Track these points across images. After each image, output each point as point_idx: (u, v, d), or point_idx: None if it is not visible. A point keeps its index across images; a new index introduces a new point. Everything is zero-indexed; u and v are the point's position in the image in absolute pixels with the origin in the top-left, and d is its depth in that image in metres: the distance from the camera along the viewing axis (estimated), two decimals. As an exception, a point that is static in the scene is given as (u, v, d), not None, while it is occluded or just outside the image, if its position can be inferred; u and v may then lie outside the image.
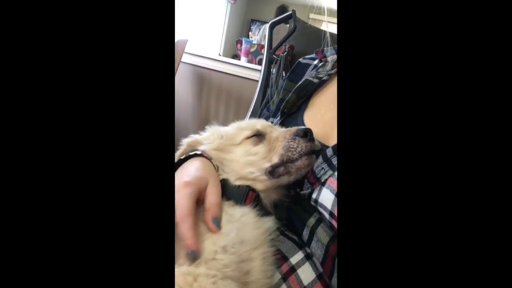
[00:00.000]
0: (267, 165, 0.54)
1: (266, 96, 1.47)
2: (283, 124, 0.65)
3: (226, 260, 0.41)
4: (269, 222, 0.51)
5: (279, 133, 0.57)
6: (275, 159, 0.54)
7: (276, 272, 0.49)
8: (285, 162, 0.54)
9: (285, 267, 0.50)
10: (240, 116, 1.88)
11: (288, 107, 0.72)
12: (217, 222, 0.44)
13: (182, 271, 0.38)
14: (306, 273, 0.49)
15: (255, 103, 1.53)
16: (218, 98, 1.99)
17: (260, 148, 0.56)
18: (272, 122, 0.78)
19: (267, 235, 0.50)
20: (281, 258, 0.50)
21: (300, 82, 0.73)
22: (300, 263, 0.50)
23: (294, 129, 0.57)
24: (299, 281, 0.48)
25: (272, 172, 0.54)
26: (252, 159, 0.55)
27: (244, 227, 0.48)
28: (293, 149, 0.54)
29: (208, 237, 0.43)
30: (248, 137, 0.57)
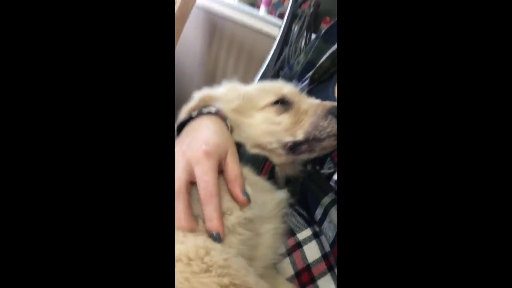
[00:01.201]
0: (289, 139, 0.50)
1: (283, 56, 1.37)
2: (310, 92, 0.59)
3: (245, 236, 0.39)
4: (283, 195, 0.49)
5: (309, 106, 0.51)
6: (300, 136, 0.49)
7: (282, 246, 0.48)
8: (310, 140, 0.49)
9: (291, 241, 0.49)
10: (249, 74, 1.79)
11: (319, 74, 0.65)
12: (247, 194, 0.41)
13: (197, 243, 0.36)
14: (312, 251, 0.48)
15: (269, 62, 1.44)
16: (229, 51, 1.87)
17: (285, 119, 0.51)
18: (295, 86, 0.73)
19: (280, 209, 0.48)
20: (288, 232, 0.49)
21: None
22: (307, 240, 0.49)
23: (328, 105, 0.51)
24: (304, 258, 0.47)
25: (293, 148, 0.50)
26: (274, 128, 0.50)
27: (265, 199, 0.45)
28: (322, 128, 0.48)
29: (231, 209, 0.40)
30: (272, 103, 0.52)
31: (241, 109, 0.53)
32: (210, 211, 0.39)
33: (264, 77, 1.42)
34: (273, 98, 0.52)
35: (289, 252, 0.48)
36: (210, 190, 0.39)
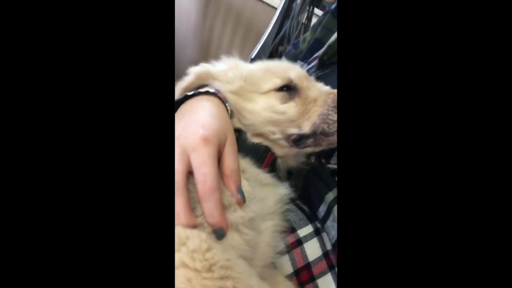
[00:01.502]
0: (294, 131, 0.45)
1: (283, 31, 1.28)
2: (319, 77, 0.53)
3: (249, 236, 0.36)
4: (284, 190, 0.45)
5: (318, 94, 0.46)
6: (306, 128, 0.44)
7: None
8: (317, 134, 0.44)
9: (291, 238, 0.46)
10: (247, 47, 1.69)
11: (329, 55, 0.58)
12: (242, 193, 0.37)
13: (200, 235, 0.32)
14: (312, 249, 0.45)
15: (268, 35, 1.35)
16: (225, 21, 1.74)
17: (290, 108, 0.45)
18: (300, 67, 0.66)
19: (281, 205, 0.44)
20: (288, 228, 0.46)
21: None
22: (307, 237, 0.46)
23: None
24: (304, 256, 0.45)
25: (298, 141, 0.46)
26: (277, 118, 0.45)
27: (266, 195, 0.41)
28: (331, 122, 0.43)
29: (232, 206, 0.36)
30: (277, 89, 0.47)
31: (242, 92, 0.47)
32: (210, 208, 0.34)
33: (262, 51, 1.34)
34: (278, 82, 0.46)
35: (289, 249, 0.45)
36: (210, 184, 0.34)
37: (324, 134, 0.44)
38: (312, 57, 0.64)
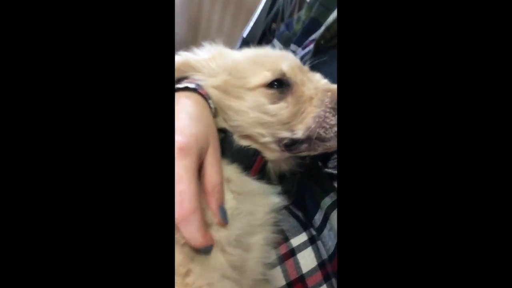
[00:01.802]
0: (286, 135, 0.39)
1: (276, 7, 1.19)
2: (315, 67, 0.47)
3: (235, 256, 0.32)
4: (276, 199, 0.40)
5: (314, 91, 0.40)
6: (299, 133, 0.39)
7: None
8: (312, 139, 0.39)
9: (283, 248, 0.42)
10: (238, 24, 1.59)
11: (326, 38, 0.51)
12: (224, 213, 0.33)
13: (176, 258, 0.29)
14: (307, 259, 0.42)
15: (260, 12, 1.25)
16: (215, -5, 1.62)
17: (281, 109, 0.39)
18: (294, 52, 0.59)
19: (273, 216, 0.40)
20: (280, 237, 0.42)
21: None
22: (301, 247, 0.42)
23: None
24: (297, 267, 0.41)
25: (290, 146, 0.40)
26: (267, 119, 0.39)
27: (255, 206, 0.37)
28: (328, 126, 0.37)
29: (215, 225, 0.32)
30: (266, 84, 0.40)
31: (227, 87, 0.41)
32: (191, 232, 0.30)
33: (255, 29, 1.25)
34: (268, 75, 0.40)
35: (281, 261, 0.42)
36: (188, 206, 0.30)
37: (320, 139, 0.39)
38: (307, 41, 0.57)
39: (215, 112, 0.40)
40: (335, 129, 0.38)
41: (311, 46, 0.53)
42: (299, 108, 0.39)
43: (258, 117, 0.39)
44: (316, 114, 0.38)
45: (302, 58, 0.52)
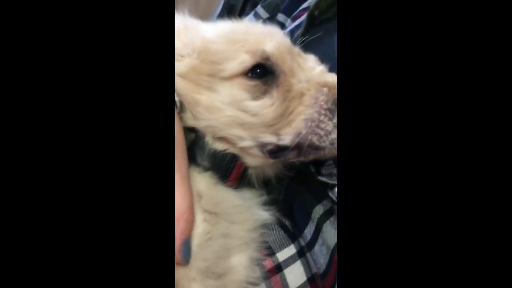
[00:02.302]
0: (270, 140, 0.31)
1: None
2: (307, 44, 0.37)
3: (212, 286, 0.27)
4: (260, 213, 0.34)
5: (306, 86, 0.31)
6: (286, 138, 0.31)
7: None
8: (302, 147, 0.31)
9: (269, 263, 0.37)
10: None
11: (322, 8, 0.41)
12: (187, 250, 0.26)
13: None
14: (295, 275, 0.37)
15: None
16: None
17: (265, 108, 0.30)
18: (282, 25, 0.49)
19: (255, 232, 0.33)
20: (264, 249, 0.36)
21: None
22: (289, 261, 0.37)
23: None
24: (284, 284, 0.36)
25: (276, 153, 0.33)
26: (246, 120, 0.31)
27: (233, 226, 0.30)
28: (323, 132, 0.30)
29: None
30: (245, 72, 0.31)
31: (195, 75, 0.32)
32: None
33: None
34: (247, 59, 0.31)
35: (266, 276, 0.36)
36: None
37: (313, 147, 0.31)
38: (298, 10, 0.46)
39: (180, 107, 0.32)
40: (333, 136, 0.30)
41: (303, 17, 0.43)
42: (287, 107, 0.31)
43: (235, 116, 0.31)
44: (308, 116, 0.30)
45: (291, 33, 0.43)
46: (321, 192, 0.36)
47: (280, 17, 0.50)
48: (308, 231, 0.36)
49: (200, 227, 0.28)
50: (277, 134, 0.31)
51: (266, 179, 0.37)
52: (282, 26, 0.49)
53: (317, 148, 0.31)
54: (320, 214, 0.36)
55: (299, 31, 0.42)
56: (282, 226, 0.38)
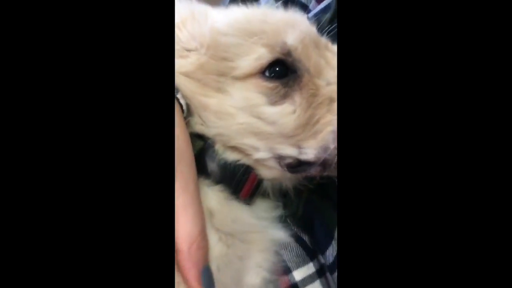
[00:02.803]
0: (290, 153, 0.27)
1: None
2: (331, 34, 0.31)
3: None
4: (277, 233, 0.30)
5: (336, 88, 0.26)
6: (310, 153, 0.26)
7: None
8: (327, 163, 0.26)
9: (284, 283, 0.33)
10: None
11: None
12: (208, 278, 0.23)
13: None
14: (314, 295, 0.33)
15: None
16: None
17: (285, 115, 0.25)
18: (305, 7, 0.42)
19: (272, 252, 0.30)
20: (281, 268, 0.33)
21: None
22: (307, 281, 0.33)
23: None
24: (301, 305, 0.33)
25: (296, 167, 0.28)
26: (262, 128, 0.26)
27: (248, 246, 0.27)
28: None
29: None
30: (262, 71, 0.26)
31: (203, 74, 0.27)
32: None
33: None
34: (264, 54, 0.26)
35: (280, 297, 0.33)
36: None
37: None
38: None
39: (187, 111, 0.27)
40: None
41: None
42: (312, 115, 0.25)
43: (249, 124, 0.26)
44: (335, 127, 0.25)
45: (317, 18, 0.36)
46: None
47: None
48: (331, 252, 0.32)
49: (216, 249, 0.24)
50: (298, 146, 0.26)
51: (283, 191, 0.32)
52: (305, 8, 0.42)
53: None
54: (344, 231, 0.32)
55: (327, 15, 0.35)
56: (300, 242, 0.34)
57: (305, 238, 0.35)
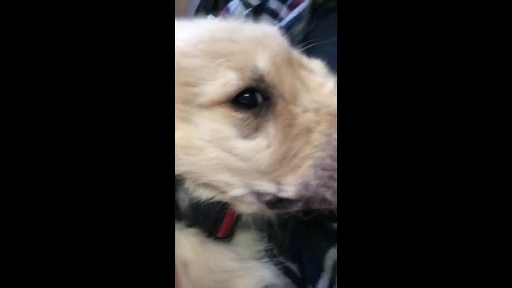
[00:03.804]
0: (268, 190, 0.24)
1: None
2: (306, 48, 0.28)
3: None
4: (266, 275, 0.27)
5: (314, 116, 0.23)
6: (289, 190, 0.23)
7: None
8: (308, 200, 0.23)
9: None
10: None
11: None
12: None
13: None
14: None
15: None
16: None
17: (258, 151, 0.22)
18: (275, 15, 0.39)
19: None
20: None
21: None
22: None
23: None
24: None
25: (275, 204, 0.25)
26: (235, 164, 0.23)
27: None
28: (335, 188, 0.22)
29: None
30: (231, 99, 0.23)
31: None
32: None
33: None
34: (233, 80, 0.23)
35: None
36: None
37: (323, 200, 0.23)
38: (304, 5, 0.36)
39: None
40: None
41: (304, 5, 0.34)
42: (289, 148, 0.22)
43: (220, 159, 0.23)
44: (318, 161, 0.22)
45: (288, 28, 0.33)
46: (334, 234, 0.29)
47: (273, 3, 0.40)
48: (323, 285, 0.29)
49: None
50: (277, 182, 0.23)
51: (267, 222, 0.30)
52: (276, 16, 0.39)
53: (330, 203, 0.23)
54: (334, 260, 0.29)
55: (299, 25, 0.33)
56: (286, 271, 0.32)
57: (292, 267, 0.32)
